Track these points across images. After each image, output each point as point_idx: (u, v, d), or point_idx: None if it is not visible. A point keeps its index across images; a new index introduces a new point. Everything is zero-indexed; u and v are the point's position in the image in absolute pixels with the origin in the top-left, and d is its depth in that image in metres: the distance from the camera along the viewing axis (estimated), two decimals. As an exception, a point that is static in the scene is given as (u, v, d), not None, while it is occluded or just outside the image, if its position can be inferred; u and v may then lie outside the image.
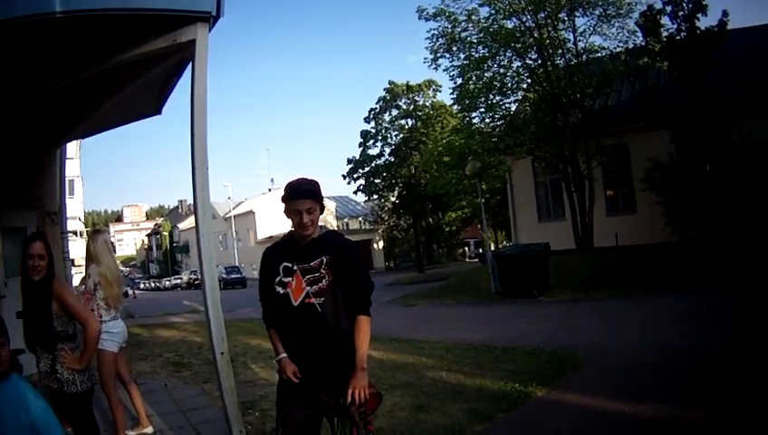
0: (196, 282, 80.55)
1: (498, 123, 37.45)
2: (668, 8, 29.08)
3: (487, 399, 10.28)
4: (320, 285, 5.40)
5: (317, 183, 5.63)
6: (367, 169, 79.73)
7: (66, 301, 6.57)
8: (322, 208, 5.63)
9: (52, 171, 15.11)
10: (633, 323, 17.60)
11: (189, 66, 8.29)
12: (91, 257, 9.03)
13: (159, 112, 13.05)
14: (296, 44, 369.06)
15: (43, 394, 5.65)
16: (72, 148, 67.43)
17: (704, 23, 28.45)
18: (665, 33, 29.88)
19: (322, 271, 5.43)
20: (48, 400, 5.53)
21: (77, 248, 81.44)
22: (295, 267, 5.48)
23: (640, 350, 13.57)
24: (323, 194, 5.68)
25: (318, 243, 5.53)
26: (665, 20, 29.70)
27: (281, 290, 5.50)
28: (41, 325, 6.54)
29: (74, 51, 8.53)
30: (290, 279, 5.48)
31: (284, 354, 5.51)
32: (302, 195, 5.45)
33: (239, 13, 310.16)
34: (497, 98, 36.49)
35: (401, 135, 77.37)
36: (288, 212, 5.53)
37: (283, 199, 5.55)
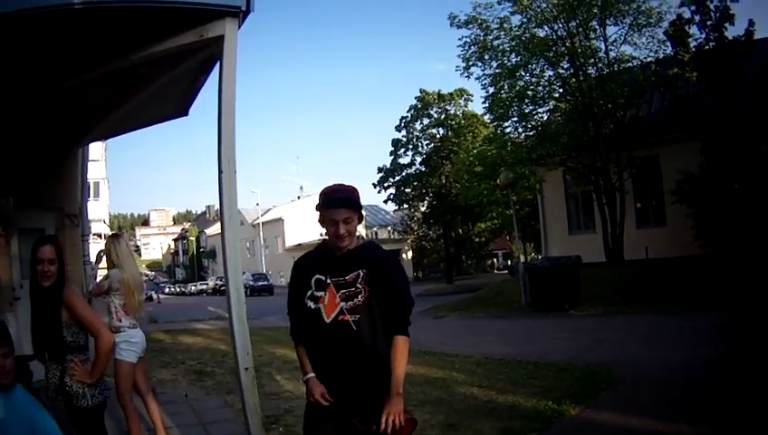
0: (222, 288, 79.75)
1: (530, 133, 37.05)
2: (697, 17, 28.89)
3: (520, 417, 9.95)
4: (355, 301, 4.92)
5: (356, 190, 5.19)
6: (397, 177, 79.61)
7: (77, 309, 6.08)
8: (361, 218, 5.16)
9: (72, 172, 14.87)
10: (666, 339, 17.23)
11: (217, 65, 7.93)
12: (112, 262, 8.72)
13: (186, 114, 12.59)
14: (324, 50, 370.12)
15: (52, 406, 5.52)
16: (98, 149, 67.40)
17: (731, 32, 28.30)
18: (693, 43, 29.79)
19: (358, 286, 4.95)
20: (57, 412, 5.34)
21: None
22: (329, 281, 5.01)
23: (675, 367, 13.23)
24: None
25: (354, 255, 5.08)
26: (693, 29, 29.57)
27: (312, 305, 5.02)
28: (50, 334, 6.10)
29: (94, 45, 8.17)
30: (322, 293, 5.01)
31: (312, 374, 5.02)
32: (338, 203, 4.99)
33: (266, 16, 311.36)
34: (530, 107, 36.19)
35: (432, 144, 77.14)
36: (323, 221, 5.09)
37: (318, 207, 5.11)
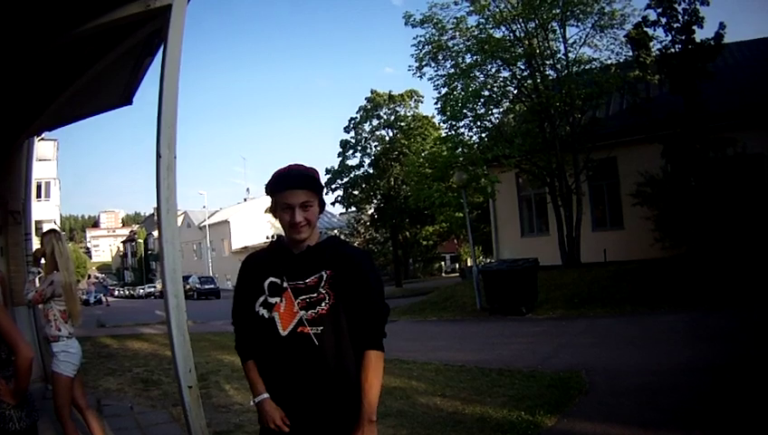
0: None
1: (484, 134, 36.81)
2: (663, 19, 28.88)
3: (492, 430, 9.35)
4: (318, 309, 4.11)
5: (315, 171, 4.34)
6: (345, 179, 78.17)
7: None
8: (322, 205, 4.36)
9: (16, 168, 13.94)
10: (633, 342, 16.81)
11: (161, 49, 7.06)
12: (55, 263, 7.97)
13: (130, 102, 11.63)
14: (273, 52, 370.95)
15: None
16: (49, 148, 66.87)
17: (700, 35, 28.38)
18: (657, 46, 29.96)
19: (321, 291, 4.14)
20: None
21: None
22: (285, 285, 4.20)
23: (648, 370, 12.81)
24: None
25: (316, 253, 4.25)
26: (658, 32, 29.67)
27: (265, 313, 4.21)
28: None
29: (33, 18, 7.28)
30: (278, 300, 4.19)
31: (266, 395, 4.19)
32: (294, 183, 4.15)
33: (214, 16, 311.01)
34: (483, 108, 35.83)
35: (381, 146, 76.29)
36: (276, 209, 4.26)
37: (269, 191, 4.28)
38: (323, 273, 4.16)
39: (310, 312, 4.09)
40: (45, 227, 72.86)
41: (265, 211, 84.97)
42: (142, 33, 7.81)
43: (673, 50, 28.76)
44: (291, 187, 4.15)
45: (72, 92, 10.11)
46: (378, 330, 4.17)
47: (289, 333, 4.10)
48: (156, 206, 6.63)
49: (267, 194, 4.33)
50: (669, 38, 28.91)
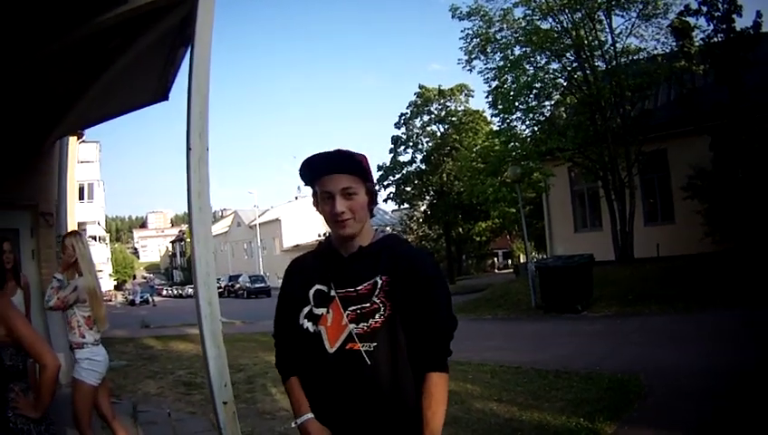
0: (219, 290, 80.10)
1: (536, 127, 36.22)
2: (704, 8, 28.74)
3: (550, 438, 8.75)
4: (370, 322, 3.37)
5: (362, 155, 3.61)
6: (397, 176, 78.04)
7: (16, 326, 4.66)
8: (373, 196, 3.64)
9: (47, 169, 13.69)
10: (690, 341, 16.24)
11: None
12: (75, 265, 7.55)
13: (166, 97, 11.12)
14: (320, 50, 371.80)
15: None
16: (91, 151, 67.38)
17: (739, 24, 28.19)
18: (701, 36, 29.94)
19: (375, 300, 3.41)
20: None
21: (96, 252, 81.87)
22: (333, 293, 3.51)
23: (705, 372, 12.28)
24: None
25: (370, 255, 3.57)
26: (701, 21, 29.53)
27: (310, 326, 3.52)
28: None
29: (47, 10, 6.79)
30: (324, 311, 3.50)
31: (310, 415, 3.50)
32: (334, 166, 3.50)
33: (265, 20, 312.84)
34: (535, 101, 35.51)
35: (432, 141, 75.95)
36: (317, 202, 3.61)
37: (306, 177, 3.63)
38: (378, 279, 3.47)
39: (361, 325, 3.39)
40: (89, 229, 73.18)
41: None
42: (170, 20, 7.28)
43: (715, 39, 28.61)
44: (330, 170, 3.49)
45: (100, 88, 9.58)
46: (442, 348, 3.46)
47: (337, 349, 3.41)
48: (187, 203, 5.99)
49: (305, 183, 3.67)
50: (711, 27, 28.76)
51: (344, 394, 3.38)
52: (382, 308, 3.39)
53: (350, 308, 3.43)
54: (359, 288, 3.46)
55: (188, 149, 5.84)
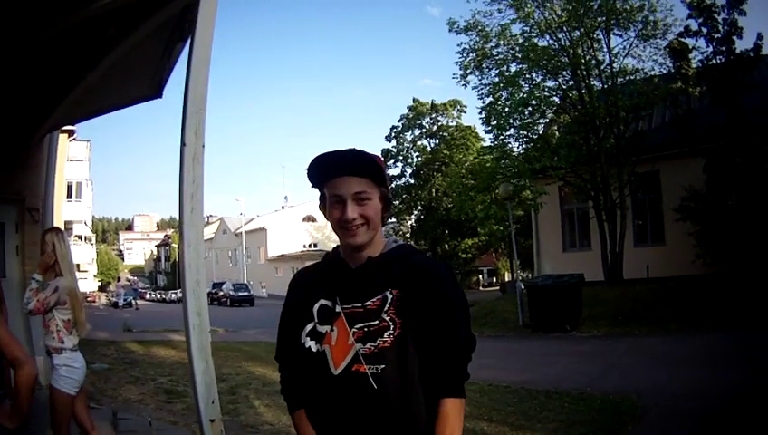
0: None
1: (530, 145, 36.25)
2: (704, 29, 28.80)
3: (543, 461, 8.57)
4: (378, 341, 3.03)
5: (377, 157, 3.24)
6: (386, 189, 77.36)
7: None
8: (388, 203, 3.29)
9: (35, 164, 13.53)
10: (682, 363, 16.20)
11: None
12: (54, 265, 7.18)
13: (160, 95, 10.87)
14: (310, 61, 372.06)
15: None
16: (81, 149, 67.20)
17: (739, 46, 28.34)
18: (699, 57, 30.01)
19: (384, 317, 3.06)
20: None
21: (81, 252, 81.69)
22: (338, 309, 3.15)
23: (701, 394, 12.23)
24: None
25: (380, 266, 3.20)
26: (700, 42, 29.63)
27: (313, 346, 3.16)
28: None
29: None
30: (328, 328, 3.16)
31: None
32: (347, 168, 3.12)
33: (256, 29, 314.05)
34: (529, 118, 35.48)
35: (423, 156, 75.98)
36: (326, 205, 3.24)
37: (313, 178, 3.27)
38: (388, 293, 3.11)
39: (368, 345, 3.04)
40: (76, 229, 72.90)
41: (303, 219, 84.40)
42: (169, 10, 6.98)
43: (714, 61, 28.71)
44: (342, 172, 3.13)
45: (92, 81, 9.30)
46: (459, 372, 3.08)
47: (342, 371, 3.07)
48: (179, 204, 5.57)
49: (312, 184, 3.30)
50: (711, 49, 28.94)
51: (349, 422, 3.06)
52: (392, 326, 3.06)
53: (357, 326, 3.09)
54: (366, 303, 3.11)
55: (183, 144, 5.49)
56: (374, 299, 3.10)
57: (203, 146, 5.57)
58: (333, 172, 3.14)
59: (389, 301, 3.08)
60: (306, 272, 3.51)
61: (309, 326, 3.20)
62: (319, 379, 3.12)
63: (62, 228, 8.30)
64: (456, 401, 3.02)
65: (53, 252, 7.16)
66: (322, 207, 3.27)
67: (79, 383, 7.12)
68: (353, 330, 3.07)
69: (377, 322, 3.06)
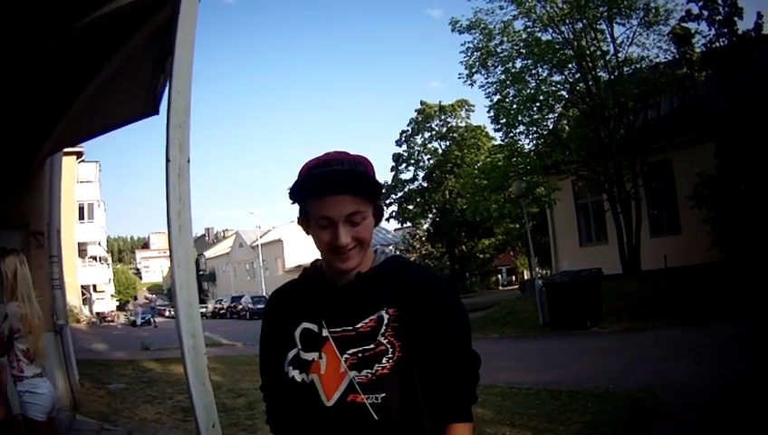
0: (221, 311, 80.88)
1: (540, 141, 36.25)
2: (705, 12, 28.70)
3: (569, 465, 8.36)
4: (376, 368, 2.62)
5: (366, 161, 2.84)
6: (399, 194, 77.94)
7: None
8: (380, 214, 2.88)
9: (38, 187, 13.41)
10: (705, 354, 15.82)
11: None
12: (11, 291, 6.83)
13: (156, 111, 10.65)
14: (316, 68, 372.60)
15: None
16: (91, 171, 67.43)
17: (741, 27, 28.29)
18: (702, 41, 29.99)
19: (381, 340, 2.66)
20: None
21: (97, 273, 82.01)
22: (325, 333, 2.74)
23: (726, 386, 11.76)
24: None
25: (371, 283, 2.81)
26: (702, 26, 29.65)
27: (297, 375, 2.75)
28: None
29: (20, 18, 6.31)
30: (315, 355, 2.75)
31: None
32: (338, 186, 2.66)
33: (261, 41, 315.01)
34: (538, 114, 35.51)
35: (434, 158, 75.90)
36: (309, 222, 2.80)
37: (296, 195, 2.82)
38: (384, 313, 2.73)
39: (365, 372, 2.65)
40: (90, 250, 73.07)
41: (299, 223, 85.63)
42: (150, 27, 6.77)
43: (717, 44, 28.56)
44: (330, 191, 2.67)
45: (85, 101, 9.19)
46: (467, 394, 2.75)
47: (336, 403, 2.67)
48: (167, 222, 5.35)
49: (294, 201, 2.85)
50: (713, 32, 28.75)
51: None
52: (390, 349, 2.66)
53: (350, 351, 2.69)
54: (358, 326, 2.72)
55: (167, 160, 5.23)
56: (367, 320, 2.74)
57: (188, 161, 5.28)
58: (321, 190, 2.70)
59: (386, 321, 2.72)
60: (284, 291, 3.15)
61: (291, 354, 2.84)
62: (309, 412, 2.73)
63: (19, 250, 7.84)
64: (465, 427, 2.74)
65: (14, 277, 6.82)
66: (304, 223, 2.87)
67: (44, 409, 6.82)
68: (345, 356, 2.70)
69: (372, 346, 2.69)
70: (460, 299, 2.88)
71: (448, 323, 2.72)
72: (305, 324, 2.83)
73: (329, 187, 2.66)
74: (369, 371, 2.64)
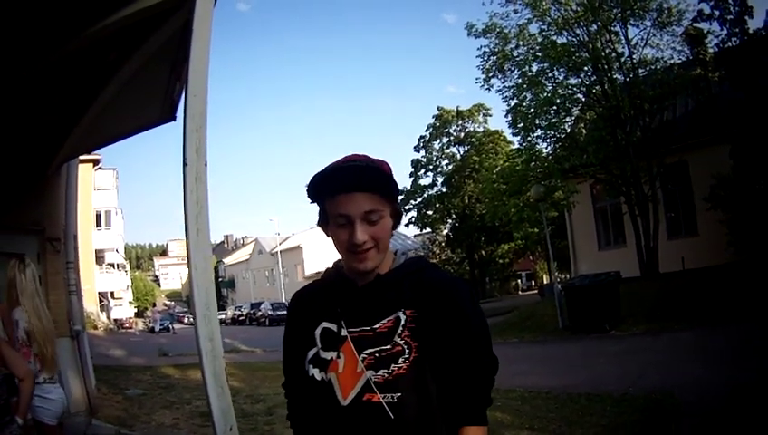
0: (240, 318, 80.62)
1: (557, 144, 36.31)
2: (716, 12, 28.82)
3: (588, 470, 8.33)
4: (392, 367, 2.62)
5: (385, 164, 2.86)
6: (418, 199, 78.13)
7: None
8: (398, 216, 2.89)
9: (54, 193, 13.39)
10: (723, 357, 15.71)
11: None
12: (16, 297, 6.76)
13: (173, 117, 10.59)
14: (333, 75, 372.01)
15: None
16: (108, 178, 67.63)
17: (752, 26, 28.50)
18: (715, 41, 30.09)
19: (398, 341, 2.67)
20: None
21: (114, 280, 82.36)
22: (344, 333, 2.77)
23: (745, 388, 11.51)
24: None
25: (390, 284, 2.82)
26: (714, 26, 29.77)
27: (317, 374, 2.77)
28: None
29: (34, 26, 6.32)
30: (333, 354, 2.76)
31: None
32: (355, 183, 2.69)
33: (279, 49, 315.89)
34: (555, 118, 35.31)
35: (453, 164, 76.04)
36: (328, 223, 2.84)
37: (313, 194, 2.84)
38: (401, 314, 2.74)
39: (381, 372, 2.66)
40: (108, 257, 73.20)
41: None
42: (166, 31, 6.77)
43: (729, 44, 28.65)
44: (347, 188, 2.70)
45: (101, 107, 9.16)
46: (482, 398, 2.73)
47: (352, 401, 2.68)
48: (185, 226, 5.28)
49: (312, 200, 2.87)
50: (725, 32, 28.88)
51: None
52: (407, 350, 2.67)
53: (367, 351, 2.71)
54: (376, 326, 2.74)
55: (184, 164, 5.15)
56: (385, 320, 2.76)
57: (205, 165, 5.24)
58: (338, 187, 2.73)
59: (403, 322, 2.74)
60: (306, 291, 3.16)
61: (311, 353, 2.86)
62: (325, 410, 2.75)
63: (26, 259, 7.70)
64: (479, 430, 2.72)
65: (14, 284, 6.77)
66: (323, 224, 2.90)
67: (55, 414, 6.79)
68: (363, 356, 2.72)
69: (389, 346, 2.70)
70: (478, 302, 2.87)
71: (464, 325, 2.71)
72: (325, 324, 2.85)
73: (345, 184, 2.69)
74: (386, 371, 2.64)
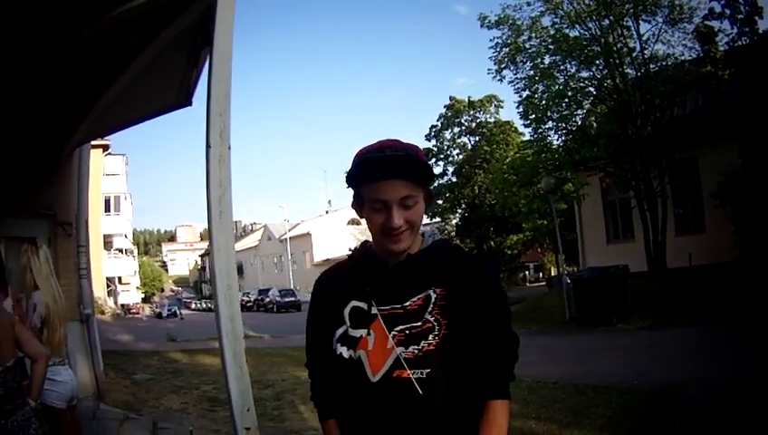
0: (248, 304, 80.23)
1: (569, 137, 36.23)
2: (727, 11, 28.81)
3: (593, 458, 8.38)
4: (422, 344, 2.75)
5: (419, 150, 3.02)
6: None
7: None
8: (430, 198, 3.05)
9: (66, 178, 13.47)
10: (729, 354, 15.75)
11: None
12: (32, 280, 6.83)
13: (189, 102, 10.60)
14: (345, 63, 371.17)
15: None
16: (118, 164, 67.55)
17: (762, 26, 28.40)
18: (725, 39, 30.07)
19: (428, 318, 2.79)
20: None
21: (123, 265, 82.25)
22: (374, 311, 2.87)
23: (745, 384, 11.73)
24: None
25: (420, 264, 2.94)
26: (725, 24, 29.69)
27: (345, 352, 2.90)
28: None
29: (51, 10, 6.37)
30: (363, 332, 2.88)
31: None
32: (392, 170, 2.81)
33: (292, 36, 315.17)
34: (567, 110, 35.28)
35: (464, 154, 76.17)
36: (363, 206, 2.97)
37: (352, 180, 2.97)
38: (431, 292, 2.86)
39: (411, 348, 2.78)
40: (116, 242, 73.22)
41: (348, 223, 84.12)
42: (187, 17, 6.83)
43: (740, 42, 28.67)
44: (385, 175, 2.82)
45: (116, 92, 9.18)
46: (506, 373, 2.88)
47: (382, 378, 2.80)
48: (207, 208, 5.44)
49: (349, 185, 3.01)
50: (736, 31, 28.88)
51: (392, 430, 2.79)
52: (437, 327, 2.79)
53: (398, 328, 2.82)
54: (406, 304, 2.85)
55: (208, 147, 5.32)
56: (416, 298, 2.87)
57: (229, 148, 5.39)
58: (377, 174, 2.85)
59: (433, 300, 2.85)
60: (333, 271, 3.28)
61: (340, 331, 2.98)
62: (355, 387, 2.88)
63: (38, 242, 7.69)
64: (504, 403, 2.86)
65: (30, 267, 6.83)
66: (357, 206, 3.03)
67: (63, 397, 6.81)
68: (393, 333, 2.83)
69: (420, 323, 2.82)
70: (502, 285, 3.04)
71: (493, 302, 2.87)
72: (354, 303, 2.96)
73: (384, 171, 2.81)
74: (416, 347, 2.76)
